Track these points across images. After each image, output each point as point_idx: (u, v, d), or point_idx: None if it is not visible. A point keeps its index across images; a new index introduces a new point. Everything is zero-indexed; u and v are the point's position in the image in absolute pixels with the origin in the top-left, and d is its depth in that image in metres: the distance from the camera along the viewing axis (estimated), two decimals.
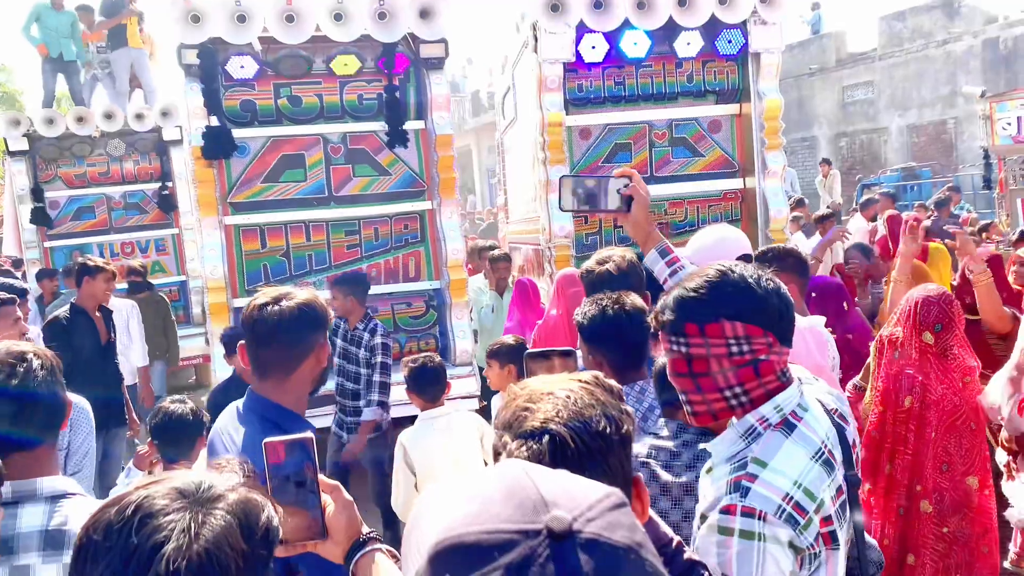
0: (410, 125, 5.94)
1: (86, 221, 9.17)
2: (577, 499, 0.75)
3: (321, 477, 1.42)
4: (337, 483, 1.47)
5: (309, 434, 1.41)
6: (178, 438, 3.24)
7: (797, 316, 2.95)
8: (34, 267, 8.66)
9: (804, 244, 8.77)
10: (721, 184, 6.12)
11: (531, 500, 0.75)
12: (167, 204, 9.24)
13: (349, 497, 1.46)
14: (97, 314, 5.28)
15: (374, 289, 5.86)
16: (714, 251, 2.89)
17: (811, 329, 2.95)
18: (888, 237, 7.84)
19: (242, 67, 5.55)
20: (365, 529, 1.46)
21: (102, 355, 5.27)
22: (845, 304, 4.48)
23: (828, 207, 13.18)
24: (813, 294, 4.99)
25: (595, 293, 2.76)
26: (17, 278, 9.98)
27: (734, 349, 1.56)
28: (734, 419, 1.60)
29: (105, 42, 10.41)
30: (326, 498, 1.43)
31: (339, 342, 4.89)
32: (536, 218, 6.11)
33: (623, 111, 6.00)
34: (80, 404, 2.87)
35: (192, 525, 0.90)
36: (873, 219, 9.79)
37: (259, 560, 0.96)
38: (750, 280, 1.59)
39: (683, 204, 6.08)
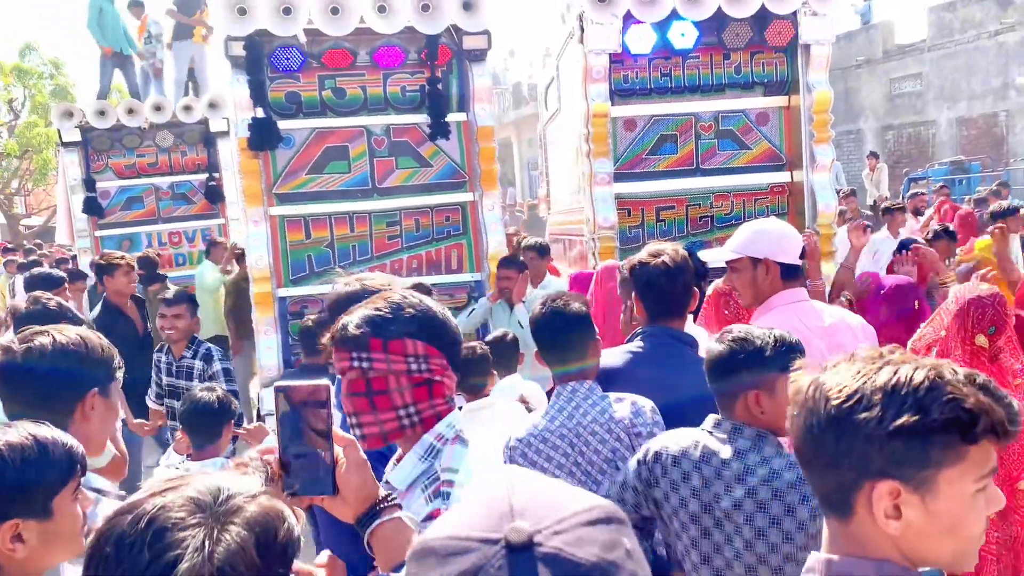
0: (452, 117, 5.94)
1: (135, 211, 9.34)
2: (550, 511, 0.73)
3: (335, 430, 1.37)
4: (352, 438, 1.43)
5: (325, 382, 1.36)
6: (206, 426, 3.30)
7: (846, 312, 2.91)
8: (85, 256, 8.85)
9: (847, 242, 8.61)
10: (768, 177, 6.04)
11: (499, 509, 0.73)
12: (214, 195, 9.38)
13: (363, 456, 1.41)
14: (130, 304, 5.37)
15: (415, 280, 5.90)
16: (778, 241, 2.87)
17: (863, 327, 2.86)
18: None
19: (287, 59, 5.61)
20: (383, 493, 1.42)
21: (140, 346, 5.36)
22: (917, 303, 4.45)
23: (875, 200, 12.98)
24: (883, 292, 4.95)
25: (648, 286, 2.76)
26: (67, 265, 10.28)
27: (413, 367, 1.62)
28: (411, 452, 1.65)
29: (148, 32, 10.65)
30: (339, 452, 1.38)
31: (164, 379, 4.47)
32: (580, 209, 6.10)
33: (669, 103, 5.94)
34: None
35: (206, 543, 0.87)
36: (915, 212, 9.62)
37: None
38: (430, 304, 1.69)
39: (729, 197, 6.01)
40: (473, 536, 0.72)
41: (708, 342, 2.32)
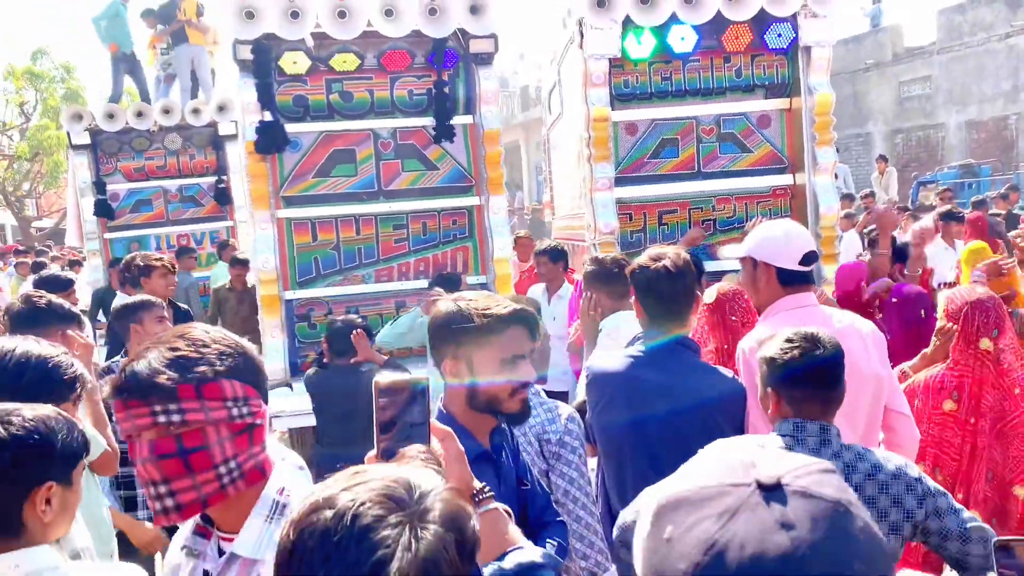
0: (458, 120, 5.97)
1: (144, 213, 9.42)
2: (785, 462, 0.82)
3: (433, 422, 1.40)
4: (449, 430, 1.44)
5: (425, 376, 1.38)
6: None
7: (857, 317, 2.88)
8: (95, 258, 8.92)
9: (856, 243, 8.61)
10: (770, 180, 6.05)
11: (740, 462, 0.82)
12: (223, 197, 9.45)
13: (460, 447, 1.43)
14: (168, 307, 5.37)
15: (422, 283, 5.93)
16: (779, 244, 2.82)
17: (873, 334, 2.77)
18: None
19: (295, 62, 5.66)
20: (477, 485, 1.44)
21: None
22: (924, 312, 4.46)
23: (884, 204, 12.96)
24: (894, 299, 4.97)
25: (650, 290, 2.74)
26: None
27: (234, 412, 1.42)
28: (253, 514, 1.45)
29: (167, 44, 10.74)
30: (435, 446, 1.40)
31: None
32: (581, 214, 6.11)
33: (670, 106, 5.95)
34: None
35: (412, 542, 0.89)
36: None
37: (470, 573, 0.97)
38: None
39: (731, 200, 6.02)
40: (724, 483, 0.80)
41: (771, 347, 2.27)
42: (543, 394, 2.69)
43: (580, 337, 3.96)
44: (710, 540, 0.75)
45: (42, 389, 2.01)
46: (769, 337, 2.33)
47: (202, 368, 1.39)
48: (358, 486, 0.94)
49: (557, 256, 5.86)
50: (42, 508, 1.64)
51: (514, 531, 1.44)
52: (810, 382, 2.19)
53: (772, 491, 0.77)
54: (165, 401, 1.35)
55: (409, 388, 1.35)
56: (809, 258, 2.80)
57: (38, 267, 11.11)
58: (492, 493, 1.45)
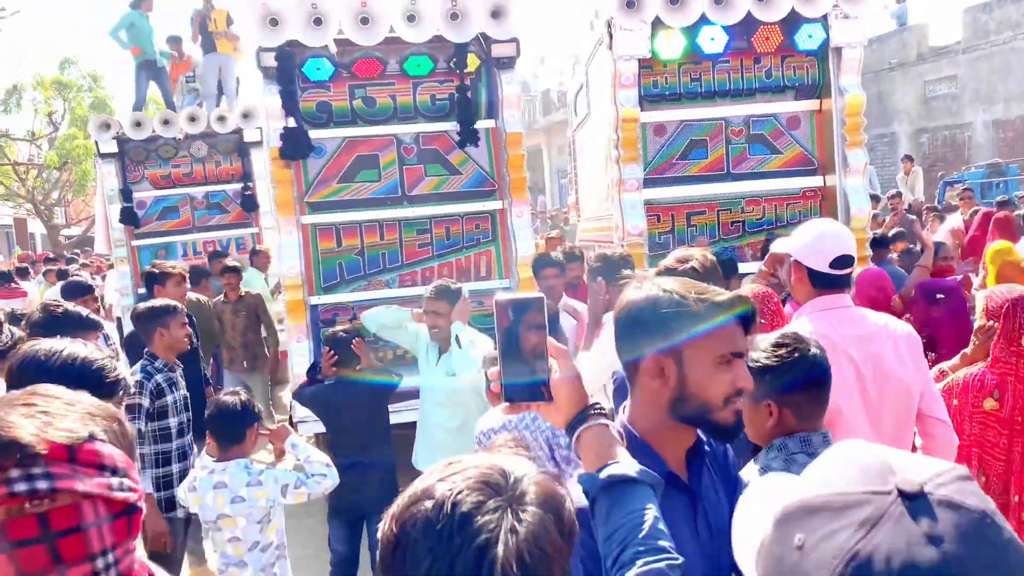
0: (481, 124, 5.98)
1: (171, 220, 9.48)
2: (924, 467, 0.77)
3: (550, 340, 1.42)
4: (565, 349, 1.45)
5: (540, 295, 1.40)
6: (229, 429, 3.45)
7: (891, 318, 2.83)
8: (122, 265, 9.00)
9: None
10: (800, 182, 5.99)
11: (876, 466, 0.77)
12: (248, 204, 9.50)
13: (575, 365, 1.46)
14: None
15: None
16: (811, 245, 2.75)
17: (907, 337, 2.66)
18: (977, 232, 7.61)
19: (318, 69, 5.67)
20: (592, 400, 1.45)
21: (183, 360, 5.41)
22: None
23: (910, 204, 12.81)
24: (939, 295, 4.92)
25: None
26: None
27: (114, 483, 1.09)
28: None
29: (192, 72, 10.91)
30: (552, 363, 1.43)
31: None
32: (609, 216, 6.08)
33: (699, 107, 5.92)
34: None
35: (515, 524, 0.90)
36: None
37: (570, 554, 0.97)
38: (108, 405, 1.22)
39: (760, 202, 5.97)
40: (857, 490, 0.76)
41: (756, 357, 2.10)
42: None
43: None
44: (851, 550, 0.72)
45: (84, 389, 2.02)
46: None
47: (72, 426, 1.08)
48: (454, 475, 0.95)
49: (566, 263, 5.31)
50: None
51: (620, 448, 1.39)
52: (815, 385, 2.04)
53: (915, 500, 0.73)
54: (25, 465, 1.01)
55: (527, 306, 1.39)
56: (843, 262, 2.70)
57: (63, 275, 11.24)
58: (605, 410, 1.44)
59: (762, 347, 2.01)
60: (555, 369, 1.43)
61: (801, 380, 1.99)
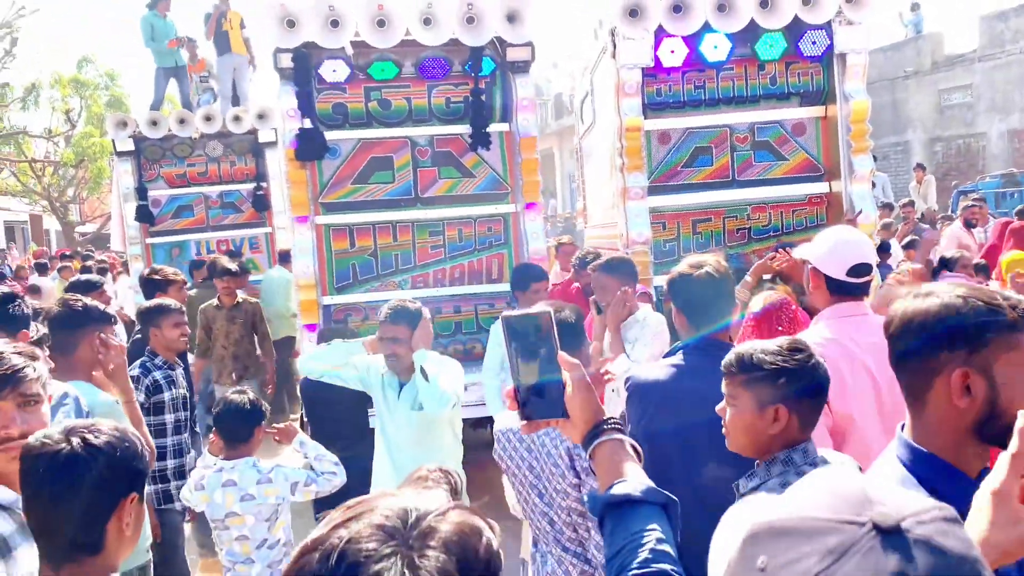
0: (494, 127, 6.02)
1: (185, 219, 9.57)
2: (906, 503, 0.73)
3: (561, 354, 1.41)
4: (577, 362, 1.45)
5: (548, 309, 1.41)
6: (237, 427, 3.49)
7: None
8: (136, 262, 9.10)
9: (896, 254, 8.50)
10: (806, 188, 6.00)
11: (854, 496, 0.74)
12: (261, 204, 9.58)
13: (588, 378, 1.46)
14: None
15: (458, 290, 5.98)
16: (828, 252, 2.77)
17: None
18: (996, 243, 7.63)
19: (334, 71, 5.74)
20: (606, 415, 1.45)
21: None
22: None
23: (923, 213, 12.79)
24: None
25: (692, 297, 2.72)
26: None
27: None
28: None
29: (207, 72, 11.01)
30: (565, 377, 1.42)
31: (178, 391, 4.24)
32: (615, 224, 6.12)
33: (703, 115, 5.93)
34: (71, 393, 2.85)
35: (406, 572, 0.79)
36: (967, 224, 9.43)
37: None
38: None
39: (766, 209, 5.99)
40: (833, 518, 0.72)
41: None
42: None
43: None
44: None
45: None
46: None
47: None
48: (350, 521, 0.85)
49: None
50: (126, 521, 1.63)
51: (630, 465, 1.38)
52: (823, 393, 1.99)
53: (889, 535, 0.69)
54: None
55: (535, 322, 1.38)
56: (860, 270, 2.71)
57: (87, 272, 11.39)
58: (620, 424, 1.43)
59: (772, 350, 1.95)
60: (568, 383, 1.42)
61: (815, 386, 1.96)
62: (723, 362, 2.00)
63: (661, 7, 5.50)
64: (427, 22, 5.61)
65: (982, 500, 1.16)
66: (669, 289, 2.85)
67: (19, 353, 1.98)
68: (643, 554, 1.24)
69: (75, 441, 1.59)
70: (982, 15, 20.14)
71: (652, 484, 1.35)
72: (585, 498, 2.05)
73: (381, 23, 5.56)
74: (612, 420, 1.44)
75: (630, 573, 1.24)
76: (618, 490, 1.33)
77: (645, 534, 1.27)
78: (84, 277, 6.60)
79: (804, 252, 2.87)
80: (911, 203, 12.09)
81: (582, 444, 1.44)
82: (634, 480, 1.35)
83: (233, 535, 3.44)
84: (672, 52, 5.63)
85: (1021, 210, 10.10)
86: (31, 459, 1.59)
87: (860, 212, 5.61)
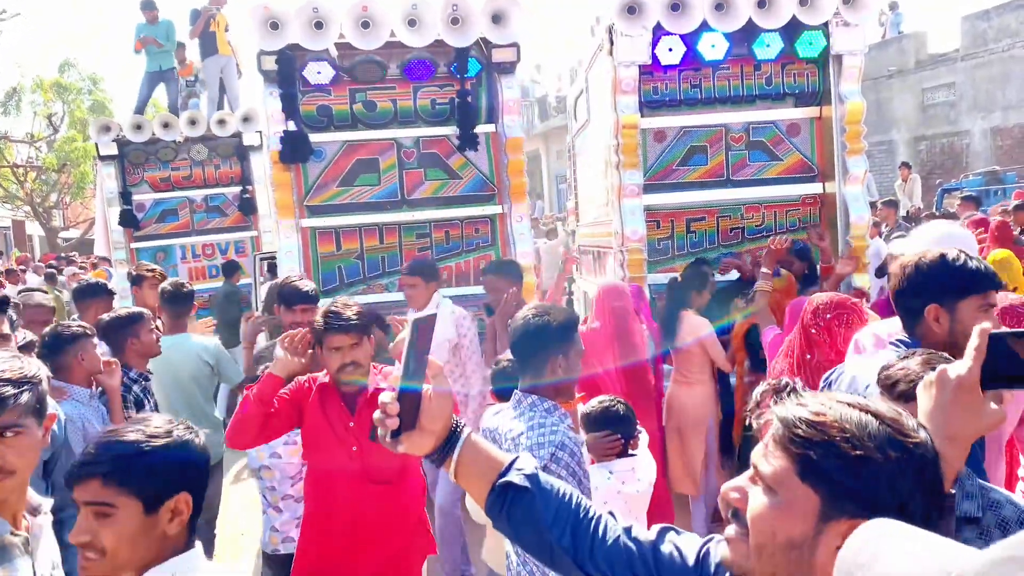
0: (480, 129, 5.98)
1: (170, 223, 9.49)
2: None
3: (430, 358, 1.38)
4: (440, 365, 1.42)
5: (433, 313, 1.43)
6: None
7: None
8: (122, 267, 9.00)
9: (883, 251, 8.49)
10: (800, 188, 5.98)
11: (936, 570, 0.72)
12: (247, 207, 9.50)
13: (450, 388, 1.45)
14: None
15: (445, 291, 5.91)
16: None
17: None
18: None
19: (319, 72, 5.67)
20: (454, 418, 1.43)
21: None
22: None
23: (908, 211, 12.84)
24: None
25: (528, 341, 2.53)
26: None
27: None
28: None
29: (194, 76, 10.91)
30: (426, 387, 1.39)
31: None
32: (608, 222, 6.08)
33: (699, 114, 5.91)
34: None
35: None
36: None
37: None
38: None
39: (760, 208, 5.97)
40: None
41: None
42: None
43: None
44: None
45: None
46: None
47: None
48: None
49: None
50: (174, 517, 1.60)
51: (496, 449, 1.46)
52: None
53: None
54: None
55: (430, 324, 1.38)
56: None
57: (52, 278, 11.34)
58: (469, 430, 1.43)
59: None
60: (428, 390, 1.38)
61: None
62: None
63: (660, 5, 5.46)
64: (412, 23, 5.56)
65: (943, 383, 1.32)
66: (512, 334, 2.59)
67: (7, 380, 1.85)
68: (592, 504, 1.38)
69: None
70: (964, 15, 20.26)
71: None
72: None
73: (365, 24, 5.50)
74: (461, 424, 1.44)
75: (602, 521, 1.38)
76: (515, 477, 1.40)
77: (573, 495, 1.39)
78: (97, 281, 6.49)
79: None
80: (889, 202, 12.12)
81: (437, 452, 1.39)
82: (522, 460, 1.43)
83: (266, 484, 3.90)
84: (670, 50, 5.60)
85: (1006, 209, 10.13)
86: None
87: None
